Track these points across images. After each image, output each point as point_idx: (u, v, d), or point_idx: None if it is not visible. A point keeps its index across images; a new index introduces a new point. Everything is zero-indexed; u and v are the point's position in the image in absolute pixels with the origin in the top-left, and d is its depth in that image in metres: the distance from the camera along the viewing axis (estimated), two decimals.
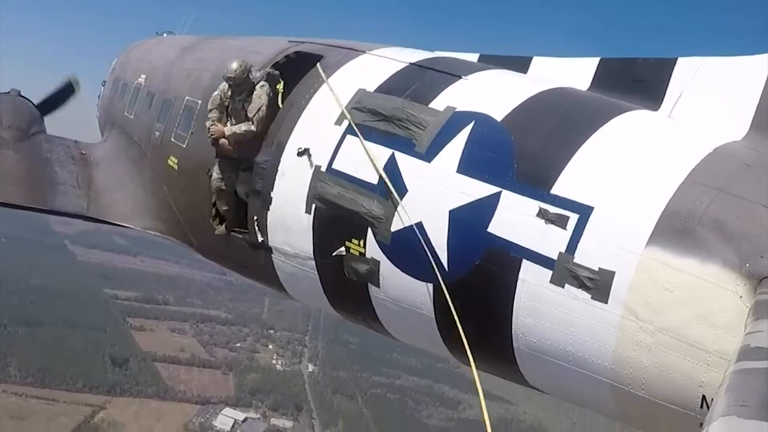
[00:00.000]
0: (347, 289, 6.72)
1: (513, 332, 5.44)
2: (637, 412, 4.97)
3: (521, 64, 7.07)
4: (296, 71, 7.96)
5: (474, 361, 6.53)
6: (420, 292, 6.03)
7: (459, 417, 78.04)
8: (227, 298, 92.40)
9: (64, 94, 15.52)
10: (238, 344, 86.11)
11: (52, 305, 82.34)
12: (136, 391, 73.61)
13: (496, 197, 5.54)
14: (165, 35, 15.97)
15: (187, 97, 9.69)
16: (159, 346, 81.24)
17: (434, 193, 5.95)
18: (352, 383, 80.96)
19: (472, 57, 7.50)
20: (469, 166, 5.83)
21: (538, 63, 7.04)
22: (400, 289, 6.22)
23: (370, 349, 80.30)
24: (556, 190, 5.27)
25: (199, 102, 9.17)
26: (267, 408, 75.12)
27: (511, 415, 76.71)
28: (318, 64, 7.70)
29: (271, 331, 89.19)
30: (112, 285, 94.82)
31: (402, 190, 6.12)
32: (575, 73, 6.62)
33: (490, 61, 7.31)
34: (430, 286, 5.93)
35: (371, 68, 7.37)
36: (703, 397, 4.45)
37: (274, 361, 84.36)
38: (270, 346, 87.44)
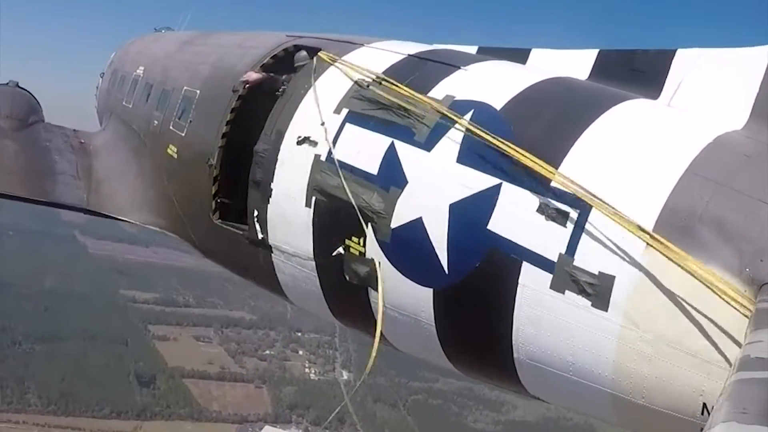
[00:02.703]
0: (347, 294, 6.87)
1: (513, 342, 5.53)
2: (638, 420, 5.07)
3: (520, 56, 7.29)
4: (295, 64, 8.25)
5: (474, 371, 6.77)
6: (420, 299, 6.13)
7: (505, 419, 77.96)
8: (248, 294, 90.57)
9: None
10: (268, 351, 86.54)
11: (68, 313, 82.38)
12: (168, 413, 73.50)
13: (496, 190, 5.63)
14: (163, 31, 16.75)
15: (185, 87, 10.13)
16: (186, 360, 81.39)
17: (434, 184, 6.07)
18: (391, 390, 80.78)
19: (471, 49, 7.74)
20: (469, 156, 5.94)
21: (536, 55, 7.26)
22: (400, 295, 6.34)
23: None
24: (556, 182, 5.35)
25: (198, 92, 9.62)
26: (309, 423, 74.83)
27: (554, 413, 76.12)
28: (318, 54, 7.95)
29: (299, 334, 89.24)
30: (128, 284, 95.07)
31: (402, 181, 6.24)
32: (574, 64, 6.80)
33: (488, 52, 7.53)
34: (430, 291, 6.02)
35: (370, 60, 7.58)
36: (704, 405, 4.54)
37: (307, 370, 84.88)
38: (300, 352, 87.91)
